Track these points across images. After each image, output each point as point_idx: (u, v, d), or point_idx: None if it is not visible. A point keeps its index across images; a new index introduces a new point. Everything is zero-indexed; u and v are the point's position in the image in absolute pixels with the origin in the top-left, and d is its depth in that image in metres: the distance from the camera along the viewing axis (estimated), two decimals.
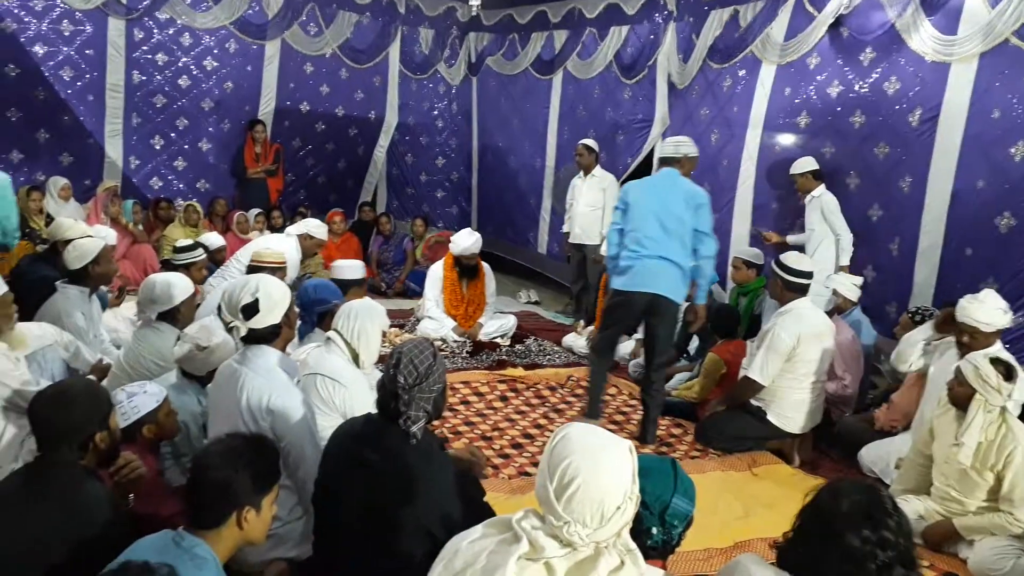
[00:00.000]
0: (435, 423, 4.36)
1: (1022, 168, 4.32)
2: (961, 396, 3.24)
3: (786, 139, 5.77)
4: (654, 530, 1.93)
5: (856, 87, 5.27)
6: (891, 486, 3.65)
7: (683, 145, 4.40)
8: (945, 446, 3.34)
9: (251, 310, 2.64)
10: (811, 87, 5.58)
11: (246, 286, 2.73)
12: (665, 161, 4.39)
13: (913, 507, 3.45)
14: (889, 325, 4.84)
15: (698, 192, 4.28)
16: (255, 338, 2.72)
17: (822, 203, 5.35)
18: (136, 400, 2.75)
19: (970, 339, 3.63)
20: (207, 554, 1.86)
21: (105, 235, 5.04)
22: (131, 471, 2.42)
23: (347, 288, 4.35)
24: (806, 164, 5.43)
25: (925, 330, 4.10)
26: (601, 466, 1.58)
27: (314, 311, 3.65)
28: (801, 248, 5.24)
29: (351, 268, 4.82)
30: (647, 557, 1.90)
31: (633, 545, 1.68)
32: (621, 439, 1.67)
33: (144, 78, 7.84)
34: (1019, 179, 4.33)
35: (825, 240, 5.36)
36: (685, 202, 4.22)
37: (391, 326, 6.31)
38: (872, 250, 5.17)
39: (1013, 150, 4.36)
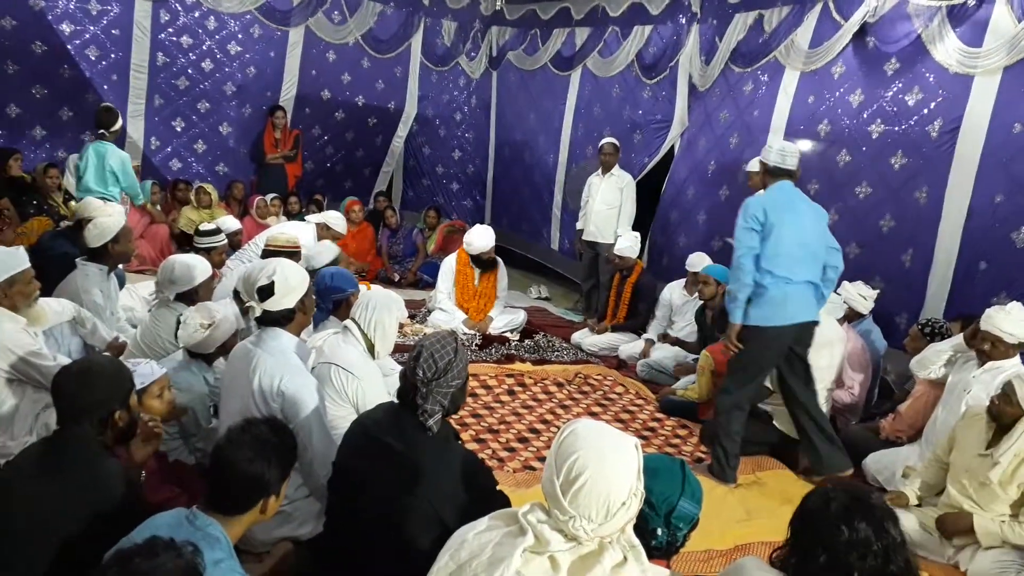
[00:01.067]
0: None
1: None
2: (1006, 415, 3.21)
3: (805, 146, 5.75)
4: (659, 531, 1.95)
5: (878, 96, 5.26)
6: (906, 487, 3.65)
7: (794, 155, 3.89)
8: (968, 456, 3.33)
9: (266, 292, 2.69)
10: (834, 95, 5.56)
11: (264, 268, 2.79)
12: (782, 173, 3.83)
13: (916, 517, 3.47)
14: (898, 336, 4.84)
15: (819, 206, 3.99)
16: (270, 320, 2.77)
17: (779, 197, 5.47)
18: None
19: (992, 348, 3.68)
20: (219, 534, 1.90)
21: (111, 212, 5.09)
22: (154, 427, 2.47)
23: None
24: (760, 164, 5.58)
25: (953, 342, 4.10)
26: (608, 462, 1.61)
27: (330, 299, 3.68)
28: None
29: (323, 253, 4.81)
30: (650, 556, 1.92)
31: (636, 541, 1.71)
32: (628, 436, 1.71)
33: (168, 60, 7.90)
34: None
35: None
36: (816, 217, 3.88)
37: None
38: (882, 260, 5.16)
39: None
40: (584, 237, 7.17)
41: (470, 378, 5.01)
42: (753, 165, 5.62)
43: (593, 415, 4.83)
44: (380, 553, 2.24)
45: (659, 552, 1.98)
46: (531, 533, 1.63)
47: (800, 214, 3.81)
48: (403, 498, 2.18)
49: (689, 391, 5.06)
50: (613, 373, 5.65)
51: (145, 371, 2.77)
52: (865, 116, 5.32)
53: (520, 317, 6.49)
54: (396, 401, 2.38)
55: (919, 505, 3.55)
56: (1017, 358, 3.72)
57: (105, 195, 5.87)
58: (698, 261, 5.81)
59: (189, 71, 8.05)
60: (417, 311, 6.57)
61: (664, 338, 5.96)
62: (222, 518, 1.95)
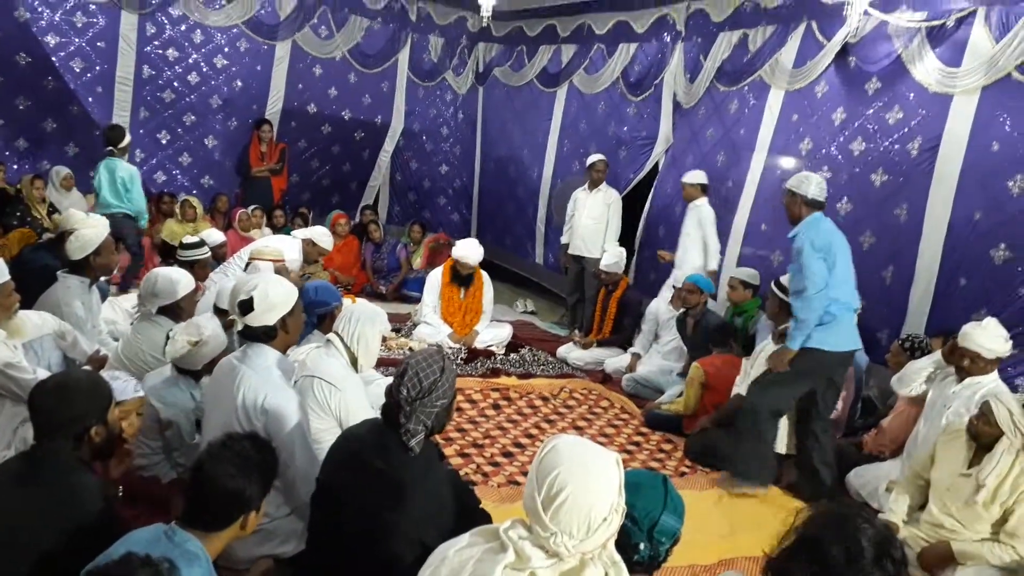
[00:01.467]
0: None
1: (1019, 202, 4.36)
2: (985, 435, 3.23)
3: (788, 163, 5.82)
4: (641, 546, 1.95)
5: (859, 115, 5.32)
6: (880, 509, 3.66)
7: (825, 187, 4.02)
8: (949, 474, 3.34)
9: (246, 307, 2.67)
10: (817, 114, 5.63)
11: (247, 284, 2.77)
12: (819, 205, 3.95)
13: (899, 534, 3.49)
14: (880, 352, 4.87)
15: None
16: (252, 335, 2.75)
17: (700, 213, 6.13)
18: None
19: (970, 364, 3.70)
20: (198, 550, 1.89)
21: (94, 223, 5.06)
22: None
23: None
24: (697, 177, 6.19)
25: (933, 358, 4.13)
26: (589, 478, 1.61)
27: (314, 312, 3.67)
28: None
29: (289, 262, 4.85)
30: (632, 572, 1.92)
31: (618, 557, 1.71)
32: (609, 451, 1.71)
33: (154, 73, 7.89)
34: (1016, 212, 4.37)
35: (696, 245, 6.14)
36: (848, 247, 4.04)
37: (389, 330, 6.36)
38: (863, 276, 5.15)
39: (1011, 183, 4.39)
40: (570, 251, 7.19)
41: (456, 392, 5.07)
42: (691, 177, 6.20)
43: (578, 429, 4.83)
44: (362, 570, 2.23)
45: (641, 567, 1.98)
46: (512, 549, 1.62)
47: (844, 243, 4.00)
48: (385, 516, 2.17)
49: (675, 404, 5.07)
50: (598, 387, 5.66)
51: (119, 387, 2.74)
52: (847, 134, 5.38)
53: (506, 331, 6.49)
54: (380, 418, 2.36)
55: (905, 522, 3.56)
56: (995, 373, 3.75)
57: (125, 209, 6.19)
58: (682, 276, 5.86)
59: (175, 84, 8.04)
60: (402, 325, 6.56)
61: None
62: (201, 534, 1.93)
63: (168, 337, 3.12)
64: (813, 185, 3.93)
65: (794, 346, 3.90)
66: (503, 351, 6.27)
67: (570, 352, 6.31)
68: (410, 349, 5.86)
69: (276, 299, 2.74)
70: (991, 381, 3.69)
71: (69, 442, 2.19)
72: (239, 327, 2.76)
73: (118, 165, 6.27)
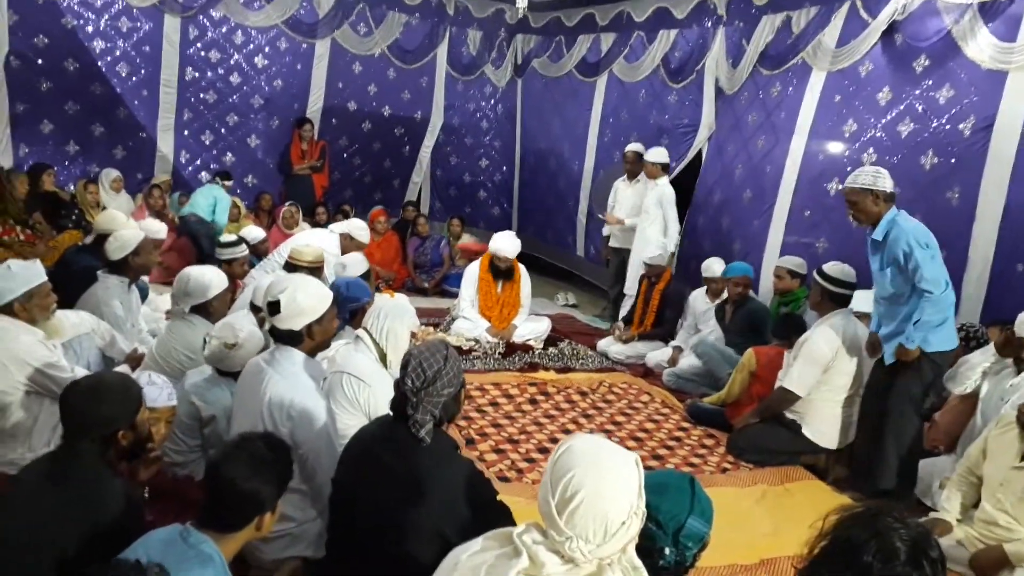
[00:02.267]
0: (462, 424, 4.39)
1: None
2: None
3: (830, 147, 5.62)
4: (667, 550, 1.87)
5: (907, 95, 5.11)
6: (934, 507, 3.51)
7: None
8: (1003, 468, 3.20)
9: (274, 308, 2.66)
10: (861, 94, 5.42)
11: (279, 284, 2.74)
12: (894, 198, 3.79)
13: (952, 533, 3.33)
14: None
15: None
16: (280, 337, 2.74)
17: (661, 192, 6.40)
18: None
19: None
20: (212, 551, 1.88)
21: (156, 229, 5.18)
22: (152, 452, 2.45)
23: None
24: (659, 155, 6.48)
25: (986, 353, 3.95)
26: (605, 480, 1.54)
27: (346, 309, 3.65)
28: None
29: (355, 264, 4.80)
30: None
31: (639, 562, 1.64)
32: (627, 452, 1.63)
33: (197, 74, 8.03)
34: None
35: (656, 224, 6.41)
36: None
37: (426, 325, 6.35)
38: None
39: None
40: (611, 243, 7.09)
41: (493, 387, 5.04)
42: (653, 156, 6.46)
43: (616, 425, 4.74)
44: (382, 566, 2.20)
45: (667, 573, 1.90)
46: (525, 555, 1.56)
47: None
48: (399, 511, 2.14)
49: (717, 395, 4.93)
50: (639, 382, 5.55)
51: (152, 394, 2.74)
52: (894, 115, 5.17)
53: (544, 325, 6.42)
54: (390, 413, 2.34)
55: (960, 520, 3.40)
56: None
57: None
58: (714, 266, 5.75)
59: (217, 85, 8.17)
60: (441, 320, 6.55)
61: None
62: (216, 535, 1.92)
63: (205, 341, 3.13)
64: (887, 177, 3.70)
65: (912, 346, 3.66)
66: (541, 345, 6.20)
67: (611, 346, 6.21)
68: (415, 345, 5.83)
69: (304, 305, 2.70)
70: None
71: (97, 444, 2.19)
72: (267, 326, 2.76)
73: (219, 194, 7.28)
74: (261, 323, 3.46)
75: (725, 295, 5.60)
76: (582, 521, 1.51)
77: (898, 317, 3.76)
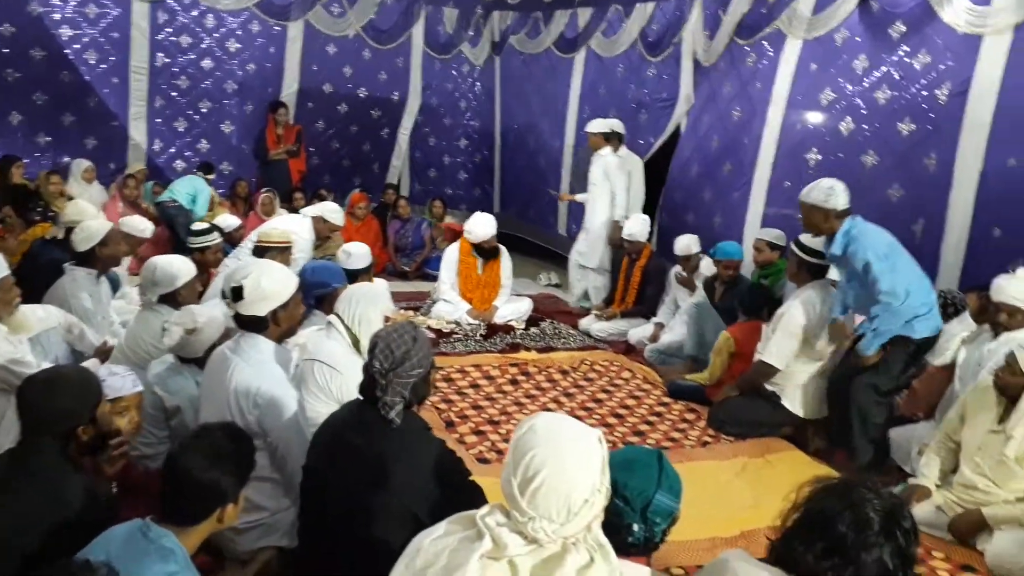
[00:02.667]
0: (442, 407, 4.37)
1: None
2: (1012, 386, 3.10)
3: (808, 116, 5.58)
4: (635, 527, 1.85)
5: (883, 62, 5.06)
6: (913, 473, 3.52)
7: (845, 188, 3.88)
8: (980, 432, 3.22)
9: (236, 295, 2.61)
10: (837, 62, 5.37)
11: (243, 270, 2.70)
12: (848, 211, 3.82)
13: (931, 499, 3.34)
14: None
15: None
16: (245, 324, 2.69)
17: (605, 162, 6.43)
18: None
19: (1008, 318, 3.54)
20: (174, 545, 1.84)
21: (142, 228, 5.07)
22: (118, 450, 2.40)
23: (355, 277, 4.27)
24: (599, 125, 6.50)
25: (964, 322, 3.95)
26: (567, 458, 1.51)
27: (312, 294, 3.59)
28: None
29: (360, 256, 4.74)
30: (627, 554, 1.83)
31: (604, 540, 1.61)
32: (589, 428, 1.60)
33: (168, 60, 7.90)
34: None
35: (603, 197, 6.46)
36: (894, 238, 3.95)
37: (406, 308, 6.31)
38: (892, 231, 4.96)
39: None
40: None
41: (473, 368, 5.01)
42: (594, 126, 6.50)
43: (598, 402, 4.73)
44: (354, 553, 2.17)
45: (636, 549, 1.88)
46: (488, 537, 1.53)
47: (890, 235, 3.88)
48: (370, 494, 2.11)
49: (699, 374, 4.93)
50: (620, 359, 5.54)
51: (116, 384, 2.67)
52: (870, 82, 5.13)
53: (526, 305, 6.38)
54: (360, 396, 2.30)
55: (939, 485, 3.41)
56: None
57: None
58: (688, 244, 5.68)
59: (189, 70, 8.05)
60: (422, 303, 6.50)
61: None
62: (177, 529, 1.88)
63: (164, 328, 3.07)
64: (840, 194, 3.73)
65: (870, 352, 3.76)
66: (523, 326, 6.17)
67: (592, 324, 6.19)
68: (428, 328, 5.79)
69: (268, 290, 2.66)
70: None
71: (56, 440, 2.14)
72: (231, 313, 2.71)
73: (201, 184, 7.17)
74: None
75: (714, 270, 5.56)
76: (544, 501, 1.48)
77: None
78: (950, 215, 4.61)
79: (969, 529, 3.18)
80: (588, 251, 6.81)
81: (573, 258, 6.89)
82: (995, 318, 3.62)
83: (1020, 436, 3.04)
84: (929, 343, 3.87)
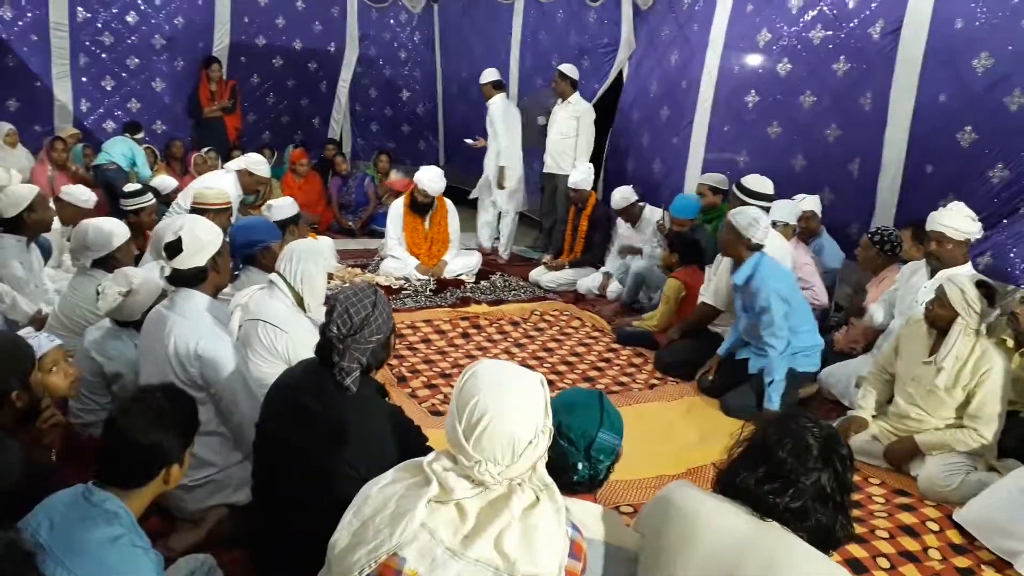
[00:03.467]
0: (392, 363, 4.35)
1: (984, 81, 4.20)
2: (942, 319, 3.20)
3: (746, 59, 5.60)
4: (580, 465, 1.89)
5: (817, 1, 5.08)
6: (852, 407, 3.64)
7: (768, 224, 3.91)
8: (913, 364, 3.33)
9: (174, 249, 2.55)
10: (772, 2, 5.37)
11: (172, 225, 2.66)
12: (759, 247, 3.85)
13: (868, 429, 3.48)
14: (850, 247, 4.78)
15: None
16: (181, 280, 2.64)
17: (492, 113, 6.75)
18: None
19: (937, 247, 3.65)
20: (118, 508, 1.81)
21: (86, 199, 4.86)
22: (48, 421, 2.35)
23: (283, 228, 4.18)
24: (488, 75, 6.80)
25: (893, 287, 4.07)
26: (510, 401, 1.53)
27: (244, 253, 3.50)
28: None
29: (283, 207, 4.62)
30: (573, 492, 1.87)
31: (549, 480, 1.63)
32: (531, 372, 1.62)
33: (89, 15, 7.54)
34: (981, 92, 4.21)
35: (493, 143, 6.72)
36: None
37: (353, 266, 6.24)
38: (830, 171, 5.07)
39: (975, 62, 4.23)
40: (544, 170, 7.00)
41: (424, 324, 5.00)
42: (484, 77, 6.78)
43: (549, 351, 4.77)
44: (307, 513, 2.17)
45: (583, 487, 1.92)
46: (436, 482, 1.55)
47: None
48: (324, 459, 2.10)
49: (646, 320, 5.01)
50: (570, 307, 5.59)
51: (34, 344, 2.59)
52: (805, 22, 5.15)
53: (475, 259, 6.36)
54: (315, 358, 2.27)
55: (875, 416, 3.55)
56: (969, 265, 3.68)
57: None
58: (625, 196, 5.70)
59: (113, 25, 7.71)
60: (370, 260, 6.44)
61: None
62: (121, 492, 1.85)
63: (98, 292, 2.99)
64: (761, 229, 3.76)
65: (775, 407, 3.74)
66: (473, 279, 6.16)
67: (542, 275, 6.21)
68: (377, 284, 5.73)
69: (206, 238, 2.65)
70: (967, 271, 3.61)
71: None
72: (167, 272, 2.65)
73: (133, 145, 6.95)
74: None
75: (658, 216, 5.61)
76: (489, 443, 1.50)
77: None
78: (885, 153, 4.70)
79: (903, 455, 3.32)
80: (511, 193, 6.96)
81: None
82: (928, 249, 3.74)
83: (949, 367, 3.16)
84: (809, 377, 4.02)
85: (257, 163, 5.44)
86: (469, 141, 7.22)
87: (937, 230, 3.63)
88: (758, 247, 3.79)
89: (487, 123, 6.89)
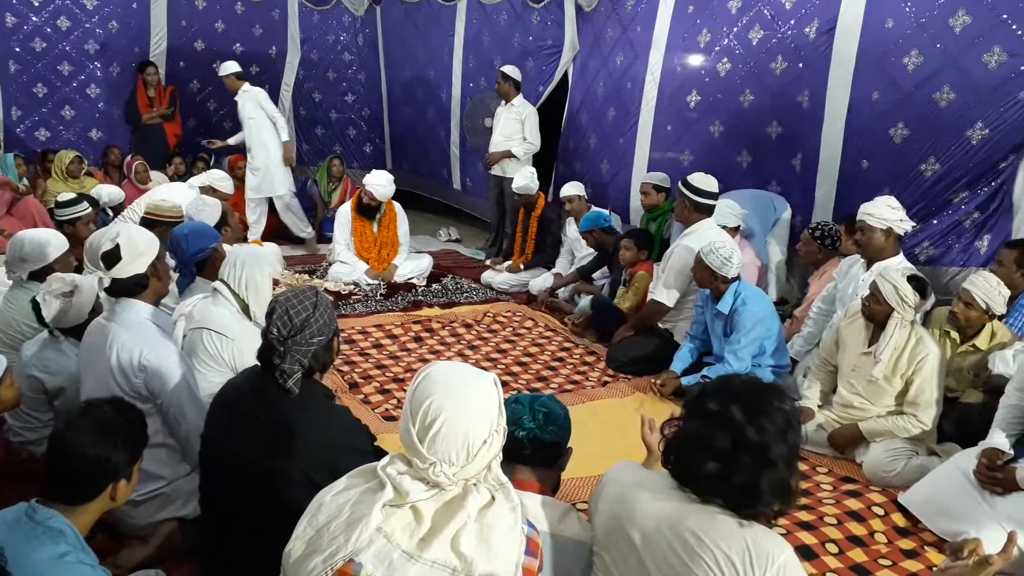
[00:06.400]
0: (344, 368, 4.31)
1: (915, 78, 4.35)
2: (878, 313, 3.30)
3: (687, 59, 5.69)
4: (525, 419, 1.93)
5: (755, 2, 5.19)
6: (802, 393, 3.73)
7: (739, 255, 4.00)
8: (853, 355, 3.43)
9: (112, 258, 2.49)
10: (712, 3, 5.47)
11: (107, 233, 2.59)
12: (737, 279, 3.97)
13: (814, 419, 3.57)
14: (793, 241, 4.90)
15: None
16: (121, 290, 2.57)
17: (253, 97, 6.85)
18: None
19: (862, 235, 3.77)
20: (63, 525, 1.77)
21: None
22: None
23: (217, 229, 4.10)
24: (229, 68, 6.91)
25: (828, 288, 4.18)
26: (464, 401, 1.53)
27: (192, 262, 3.42)
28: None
29: (211, 208, 4.57)
30: (524, 461, 1.94)
31: (505, 479, 1.64)
32: (484, 372, 1.62)
33: (17, 20, 7.27)
34: (912, 89, 4.36)
35: (266, 128, 6.83)
36: None
37: (301, 271, 6.16)
38: (774, 166, 5.19)
39: (906, 60, 4.37)
40: (492, 172, 7.00)
41: (375, 328, 4.96)
42: (223, 69, 6.93)
43: (502, 352, 4.78)
44: (257, 522, 2.13)
45: (532, 459, 1.97)
46: (390, 487, 1.54)
47: None
48: (272, 464, 2.06)
49: (619, 299, 5.02)
50: (523, 308, 5.60)
51: None
52: (744, 22, 5.26)
53: (426, 262, 6.33)
54: (258, 364, 2.23)
55: (820, 406, 3.64)
56: (900, 256, 3.79)
57: None
58: (574, 185, 5.81)
59: (45, 30, 7.43)
60: (318, 266, 6.36)
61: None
62: (66, 508, 1.81)
63: (36, 304, 2.88)
64: (734, 267, 3.85)
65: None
66: (424, 282, 6.13)
67: (494, 277, 6.22)
68: (325, 291, 5.67)
69: (143, 245, 2.60)
70: (898, 263, 3.72)
71: None
72: (106, 283, 2.57)
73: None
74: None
75: None
76: (444, 445, 1.50)
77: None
78: (823, 150, 4.83)
79: (847, 440, 3.42)
80: (262, 183, 6.92)
81: (249, 195, 6.95)
82: (854, 237, 3.87)
83: (886, 359, 3.27)
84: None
85: (220, 179, 5.45)
86: (207, 143, 7.45)
87: (860, 219, 3.76)
88: (735, 279, 3.90)
89: (245, 108, 6.88)
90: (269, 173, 6.87)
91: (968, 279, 3.44)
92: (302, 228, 7.24)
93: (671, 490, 1.68)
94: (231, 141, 7.25)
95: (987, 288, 3.34)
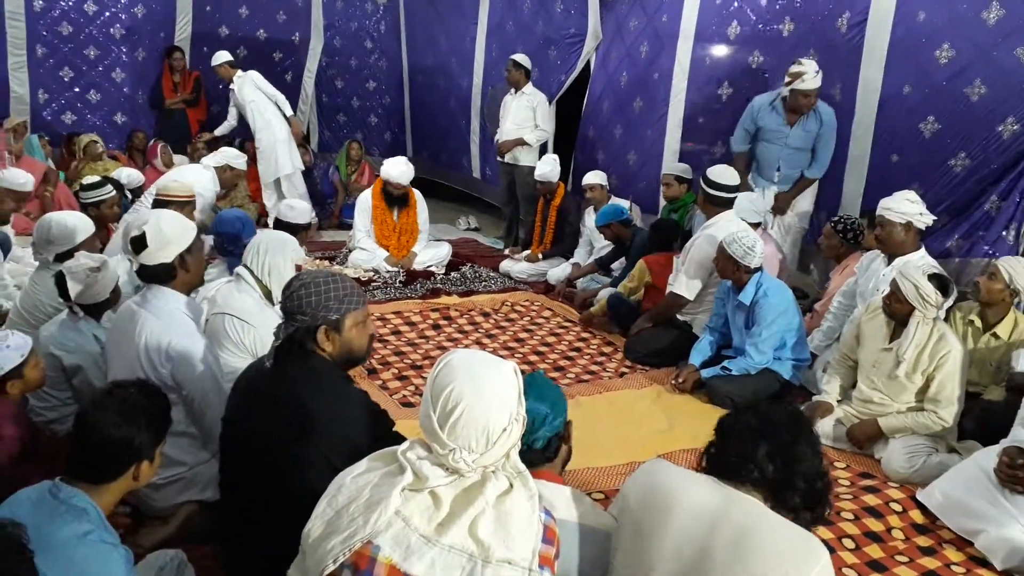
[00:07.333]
0: None
1: (946, 71, 4.28)
2: (899, 311, 3.26)
3: (716, 50, 5.63)
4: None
5: None
6: (821, 387, 3.71)
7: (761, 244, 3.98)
8: (874, 350, 3.40)
9: (139, 244, 2.50)
10: None
11: (139, 219, 2.61)
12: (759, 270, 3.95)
13: (833, 413, 3.54)
14: (814, 235, 4.85)
15: None
16: (150, 276, 2.59)
17: (249, 80, 6.90)
18: None
19: (881, 230, 3.74)
20: (86, 504, 1.79)
21: (23, 181, 4.76)
22: None
23: (295, 233, 4.09)
24: (221, 56, 6.98)
25: (849, 283, 4.15)
26: (484, 389, 1.53)
27: (240, 245, 3.41)
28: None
29: (301, 212, 4.59)
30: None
31: (523, 467, 1.65)
32: (505, 360, 1.63)
33: (45, 4, 7.33)
34: (943, 82, 4.30)
35: (269, 106, 6.87)
36: None
37: (322, 258, 6.19)
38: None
39: (938, 52, 4.30)
40: (503, 161, 6.98)
41: (394, 315, 4.97)
42: (216, 59, 6.97)
43: (520, 341, 4.78)
44: (276, 503, 2.15)
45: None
46: (410, 471, 1.55)
47: None
48: (291, 446, 2.08)
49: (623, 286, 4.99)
50: (540, 298, 5.59)
51: (17, 343, 2.49)
52: (774, 13, 5.19)
53: (445, 250, 6.34)
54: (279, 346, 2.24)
55: (840, 401, 3.61)
56: (923, 251, 3.75)
57: None
58: (593, 179, 5.76)
59: (72, 15, 7.49)
60: (338, 252, 6.39)
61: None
62: (90, 487, 1.83)
63: (60, 277, 2.90)
64: (757, 256, 3.82)
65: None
66: (443, 271, 6.14)
67: (513, 266, 6.21)
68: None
69: (171, 234, 2.58)
70: (919, 259, 3.68)
71: None
72: (135, 267, 2.60)
73: None
74: None
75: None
76: (464, 432, 1.50)
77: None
78: (852, 144, 4.77)
79: (866, 436, 3.39)
80: (268, 167, 6.92)
81: (263, 181, 6.98)
82: (875, 233, 3.84)
83: (909, 358, 3.23)
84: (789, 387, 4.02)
85: (235, 157, 5.45)
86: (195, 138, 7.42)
87: (879, 213, 3.73)
88: (758, 269, 3.87)
89: (244, 99, 6.91)
90: (274, 152, 6.85)
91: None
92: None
93: (708, 485, 1.68)
94: (218, 132, 7.25)
95: (1014, 263, 3.40)
